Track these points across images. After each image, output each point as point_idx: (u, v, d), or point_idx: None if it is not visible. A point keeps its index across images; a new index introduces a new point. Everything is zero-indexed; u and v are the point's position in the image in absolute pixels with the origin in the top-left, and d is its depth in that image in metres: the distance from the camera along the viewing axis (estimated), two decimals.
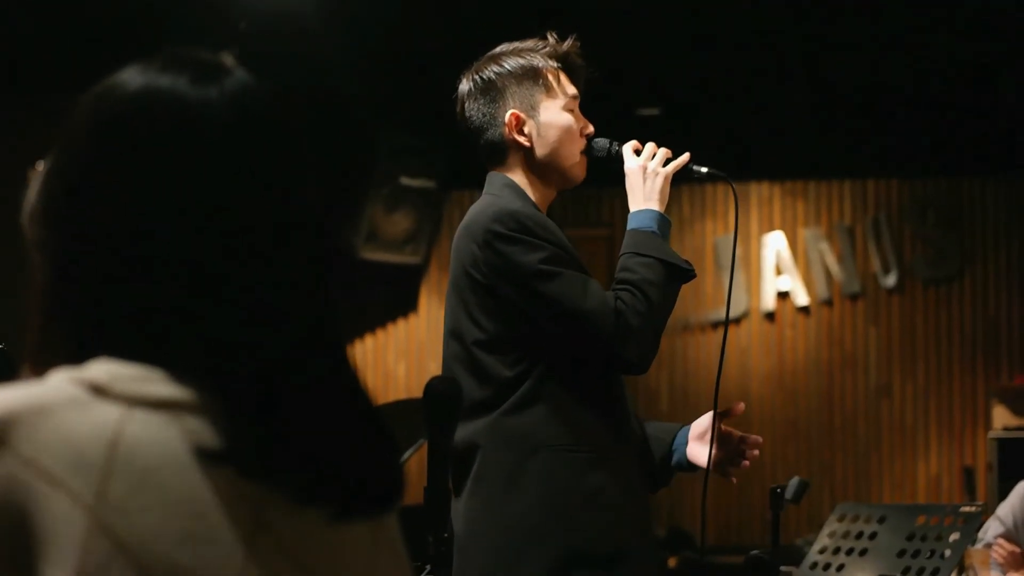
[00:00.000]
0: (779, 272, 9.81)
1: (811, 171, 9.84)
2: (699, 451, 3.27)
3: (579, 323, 2.96)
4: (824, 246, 9.79)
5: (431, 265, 9.74)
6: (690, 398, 9.86)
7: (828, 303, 9.80)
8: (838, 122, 9.04)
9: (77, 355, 1.21)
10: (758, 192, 9.93)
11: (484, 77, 3.16)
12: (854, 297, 9.78)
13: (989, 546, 5.04)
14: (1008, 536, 5.10)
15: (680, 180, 3.22)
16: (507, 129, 3.14)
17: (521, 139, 3.14)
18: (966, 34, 7.52)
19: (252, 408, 1.21)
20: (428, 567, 2.36)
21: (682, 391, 9.89)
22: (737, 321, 9.86)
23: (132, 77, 1.28)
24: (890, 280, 9.74)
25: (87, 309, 1.23)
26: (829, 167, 9.77)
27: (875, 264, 9.76)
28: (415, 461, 5.60)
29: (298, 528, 1.22)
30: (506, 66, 3.15)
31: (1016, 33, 7.46)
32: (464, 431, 2.97)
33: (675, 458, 3.28)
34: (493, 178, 3.18)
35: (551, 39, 3.20)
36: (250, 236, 1.26)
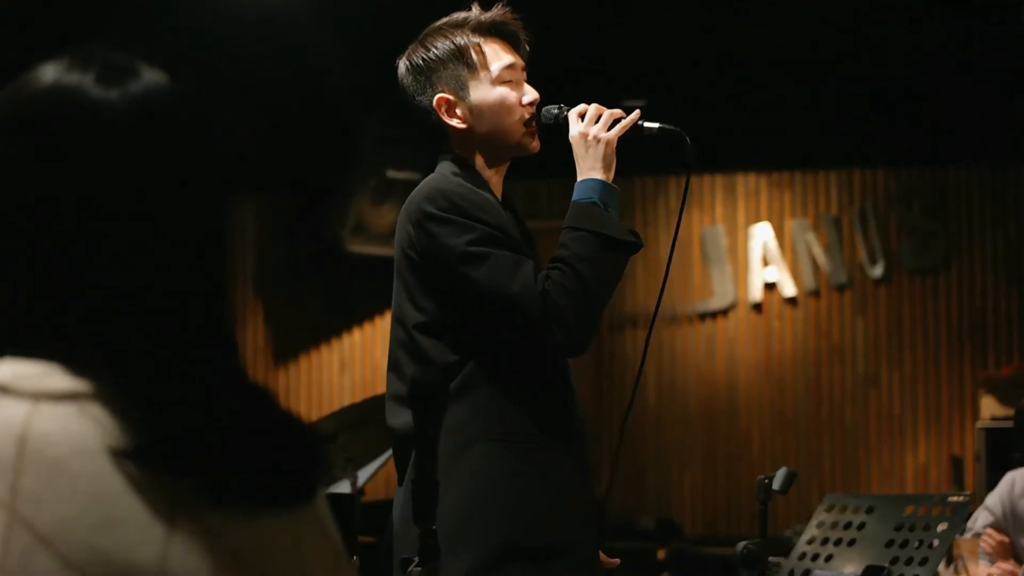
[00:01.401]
0: (766, 263, 9.81)
1: (797, 162, 9.83)
2: None
3: (505, 307, 2.86)
4: (811, 237, 9.79)
5: None
6: (677, 390, 9.86)
7: (815, 294, 9.80)
8: (824, 113, 9.04)
9: None
10: (744, 183, 9.93)
11: (413, 63, 3.08)
12: (841, 288, 9.78)
13: (978, 536, 5.05)
14: (997, 526, 5.11)
15: (631, 139, 3.06)
16: (438, 114, 3.06)
17: (455, 122, 3.05)
18: (949, 22, 7.52)
19: (153, 402, 1.22)
20: (416, 559, 2.35)
21: (669, 383, 9.89)
22: (724, 312, 9.86)
23: (43, 73, 1.29)
24: (877, 270, 9.74)
25: None
26: (815, 158, 9.77)
27: (862, 254, 9.77)
28: None
29: (218, 511, 1.23)
30: (432, 50, 3.06)
31: (998, 21, 7.46)
32: (404, 417, 2.87)
33: None
34: (443, 160, 3.10)
35: (475, 11, 3.10)
36: (144, 235, 1.26)
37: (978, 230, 9.72)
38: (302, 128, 8.86)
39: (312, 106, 8.66)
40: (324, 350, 9.84)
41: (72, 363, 1.21)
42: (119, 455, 1.18)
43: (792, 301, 9.82)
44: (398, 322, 2.99)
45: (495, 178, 3.10)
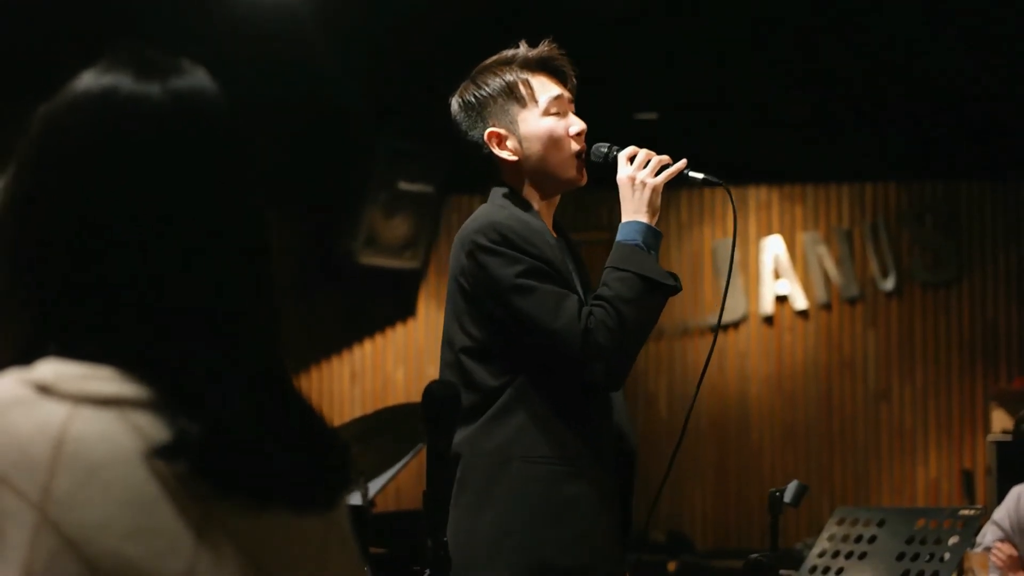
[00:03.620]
0: (777, 276, 9.81)
1: (809, 175, 9.83)
2: None
3: (548, 340, 2.99)
4: (822, 250, 9.79)
5: (430, 270, 9.74)
6: (688, 403, 9.83)
7: (827, 307, 9.80)
8: (836, 126, 9.04)
9: (29, 356, 1.22)
10: (756, 196, 9.93)
11: (465, 100, 3.21)
12: (852, 301, 9.78)
13: (988, 550, 5.05)
14: (1005, 540, 5.11)
15: (676, 185, 3.20)
16: (490, 147, 3.18)
17: (505, 154, 3.17)
18: (965, 37, 7.52)
19: (197, 406, 1.22)
20: (427, 571, 2.36)
21: (681, 396, 9.89)
22: (736, 325, 9.85)
23: (80, 79, 1.29)
24: (888, 284, 9.74)
25: (38, 310, 1.24)
26: (827, 171, 9.77)
27: (873, 268, 9.76)
28: (414, 466, 5.60)
29: (248, 520, 1.23)
30: (483, 87, 3.19)
31: (1014, 37, 7.46)
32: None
33: None
34: (495, 191, 3.20)
35: (522, 48, 3.22)
36: (189, 235, 1.26)
37: (990, 244, 9.72)
38: (314, 141, 8.87)
39: (323, 119, 8.68)
40: (335, 361, 9.85)
41: (121, 367, 1.21)
42: (159, 454, 1.18)
43: (803, 314, 9.81)
44: (447, 344, 3.12)
45: (546, 210, 3.22)
